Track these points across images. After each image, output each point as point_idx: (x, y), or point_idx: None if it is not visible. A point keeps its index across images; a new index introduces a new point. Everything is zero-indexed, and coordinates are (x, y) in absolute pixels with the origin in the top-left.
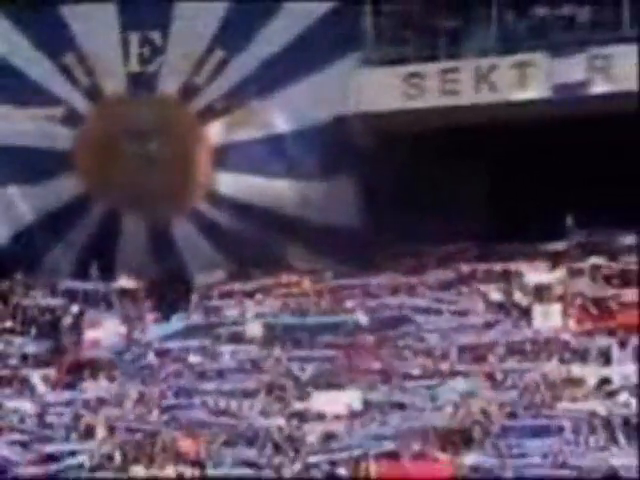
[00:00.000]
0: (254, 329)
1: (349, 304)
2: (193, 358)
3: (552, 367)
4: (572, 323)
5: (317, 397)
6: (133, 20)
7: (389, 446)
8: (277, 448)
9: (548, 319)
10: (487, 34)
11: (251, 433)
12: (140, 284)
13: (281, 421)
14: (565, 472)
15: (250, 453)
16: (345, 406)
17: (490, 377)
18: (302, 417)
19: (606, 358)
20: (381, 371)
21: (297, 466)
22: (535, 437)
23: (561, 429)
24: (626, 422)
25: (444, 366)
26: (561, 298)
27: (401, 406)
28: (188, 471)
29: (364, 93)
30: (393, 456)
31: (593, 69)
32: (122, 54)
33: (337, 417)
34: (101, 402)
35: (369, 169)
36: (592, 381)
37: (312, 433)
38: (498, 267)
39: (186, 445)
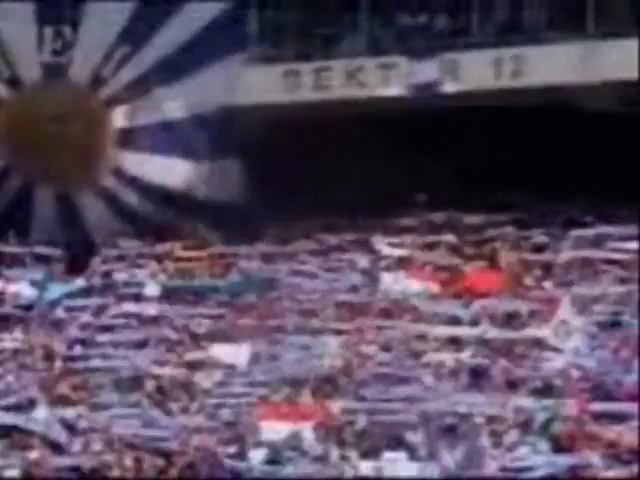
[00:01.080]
0: (151, 290)
1: (234, 269)
2: (89, 315)
3: (409, 325)
4: (424, 288)
5: (211, 349)
6: (48, 16)
7: (268, 392)
8: (164, 393)
9: (401, 284)
10: (356, 39)
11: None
12: (52, 250)
13: (175, 370)
14: (422, 416)
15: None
16: (234, 357)
17: (359, 332)
18: (196, 366)
19: (454, 319)
20: (263, 327)
21: (193, 410)
22: (396, 385)
23: (418, 378)
24: (473, 373)
25: (318, 323)
26: (413, 266)
27: (280, 357)
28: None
29: (249, 87)
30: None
31: (444, 71)
32: (38, 47)
33: (228, 367)
34: (15, 352)
35: (253, 152)
36: (443, 337)
37: (205, 380)
38: (362, 238)
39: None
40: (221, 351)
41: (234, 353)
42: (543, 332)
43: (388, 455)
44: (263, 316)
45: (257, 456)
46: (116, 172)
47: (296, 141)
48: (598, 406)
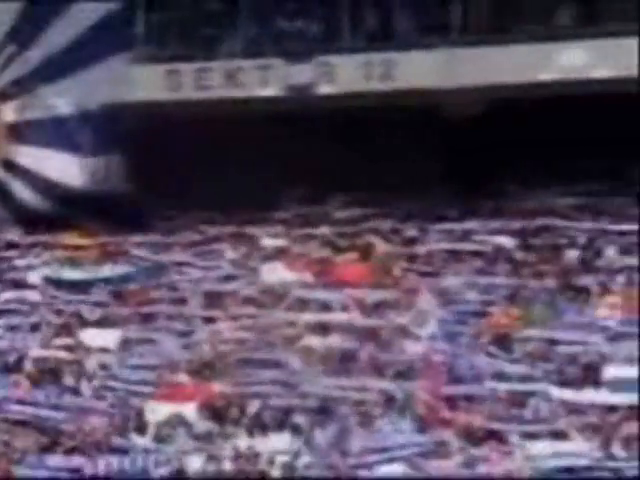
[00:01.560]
0: (37, 276)
1: (119, 258)
2: None
3: (280, 314)
4: (299, 277)
5: (89, 334)
6: None
7: (149, 375)
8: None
9: (276, 275)
10: (236, 41)
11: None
12: None
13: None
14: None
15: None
16: (110, 341)
17: (232, 320)
18: (76, 350)
19: (324, 306)
20: (142, 314)
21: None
22: (267, 369)
23: (285, 363)
24: (339, 358)
25: (193, 311)
26: (288, 257)
27: (158, 342)
28: None
29: (134, 85)
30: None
31: (319, 73)
32: None
33: (106, 350)
34: None
35: (137, 148)
36: (314, 323)
37: (88, 362)
38: (239, 230)
39: None
40: (97, 336)
41: (110, 338)
42: (404, 319)
43: (273, 435)
44: (142, 303)
45: (141, 436)
46: (6, 164)
47: (179, 138)
48: (452, 389)
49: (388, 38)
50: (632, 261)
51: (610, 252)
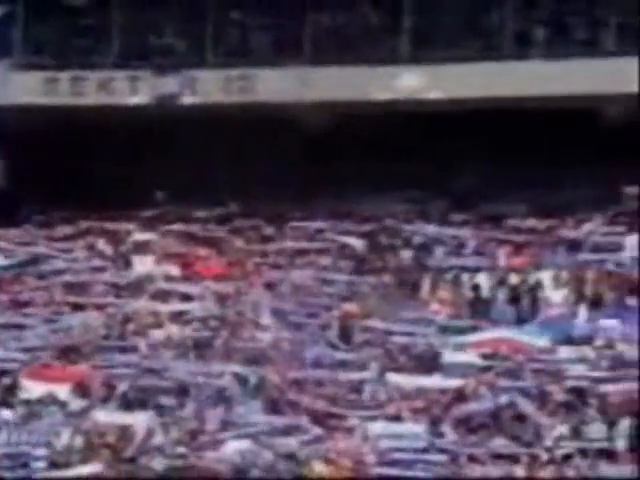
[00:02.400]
0: None
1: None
2: None
3: (142, 303)
4: (165, 270)
5: None
6: None
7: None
8: None
9: (144, 265)
10: (109, 53)
11: None
12: None
13: None
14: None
15: None
16: None
17: (98, 308)
18: None
19: (185, 296)
20: (15, 301)
21: None
22: (122, 353)
23: (147, 348)
24: (196, 344)
25: (63, 298)
26: (153, 251)
27: (29, 327)
28: None
29: (14, 89)
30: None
31: (183, 85)
32: None
33: None
34: None
35: (17, 147)
36: (169, 313)
37: None
38: (109, 225)
39: None
40: None
41: None
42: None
43: (138, 413)
44: (15, 291)
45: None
46: None
47: (56, 139)
48: (299, 374)
49: (247, 55)
50: (458, 261)
51: (439, 253)
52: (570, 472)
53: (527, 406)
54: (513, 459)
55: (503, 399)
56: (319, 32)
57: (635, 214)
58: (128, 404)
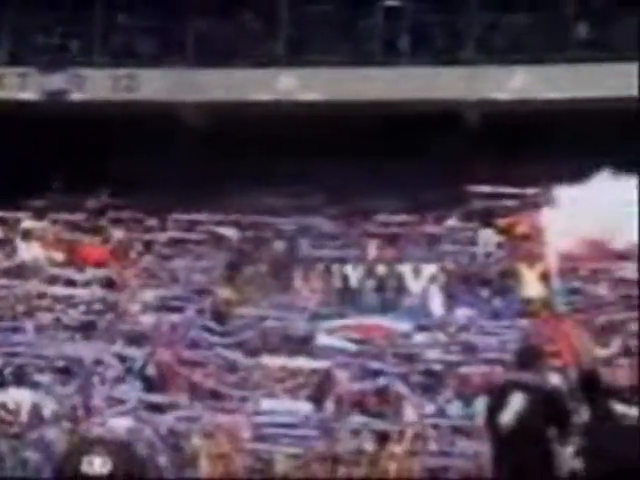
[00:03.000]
0: None
1: None
2: None
3: (33, 286)
4: (51, 256)
5: None
6: None
7: None
8: None
9: (32, 251)
10: (1, 51)
11: None
12: None
13: None
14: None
15: None
16: None
17: None
18: None
19: (70, 282)
20: None
21: None
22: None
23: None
24: (82, 326)
25: None
26: (42, 238)
27: None
28: None
29: None
30: None
31: (71, 82)
32: None
33: None
34: None
35: None
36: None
37: None
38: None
39: None
40: None
41: None
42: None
43: (12, 390)
44: None
45: None
46: None
47: None
48: (181, 354)
49: (133, 56)
50: (329, 253)
51: (311, 244)
52: (433, 446)
53: (398, 386)
54: (384, 435)
55: (372, 379)
56: (202, 36)
57: (486, 211)
58: (14, 382)
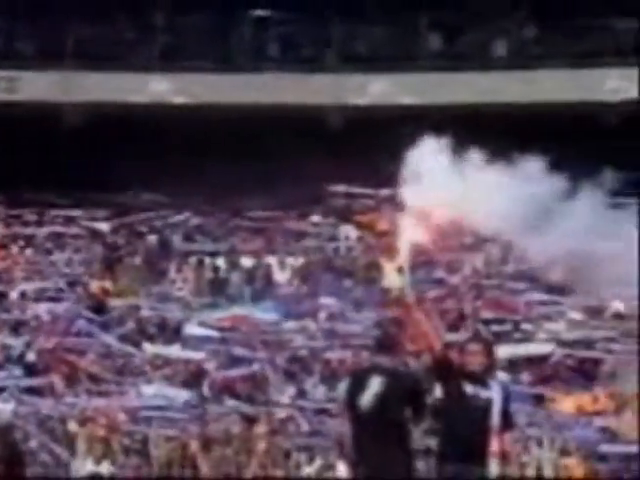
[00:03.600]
0: None
1: None
2: None
3: None
4: None
5: None
6: None
7: None
8: None
9: None
10: None
11: None
12: None
13: None
14: None
15: None
16: None
17: None
18: None
19: None
20: None
21: None
22: None
23: None
24: None
25: None
26: None
27: None
28: None
29: None
30: None
31: None
32: None
33: None
34: None
35: None
36: None
37: None
38: None
39: None
40: None
41: None
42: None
43: None
44: None
45: None
46: None
47: None
48: (62, 342)
49: (13, 58)
50: (202, 247)
51: (185, 239)
52: (305, 427)
53: (266, 372)
54: (252, 417)
55: (242, 366)
56: (82, 40)
57: (346, 209)
58: None
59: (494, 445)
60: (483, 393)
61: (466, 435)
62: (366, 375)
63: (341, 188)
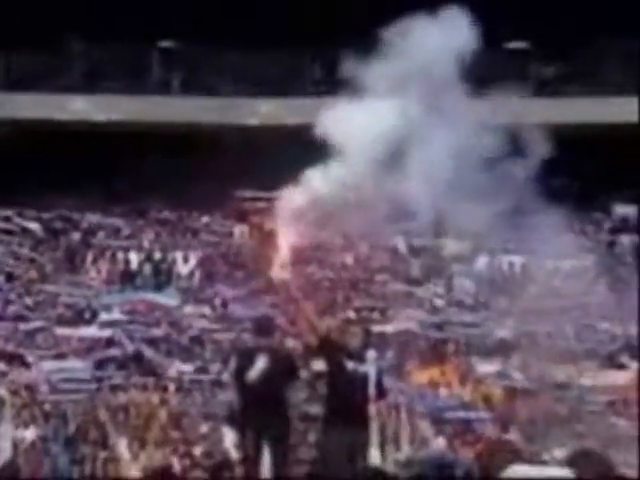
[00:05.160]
0: None
1: None
2: None
3: None
4: None
5: None
6: None
7: None
8: None
9: None
10: None
11: None
12: None
13: None
14: None
15: None
16: None
17: None
18: None
19: None
20: None
21: None
22: None
23: None
24: None
25: None
26: None
27: None
28: None
29: None
30: None
31: None
32: None
33: None
34: None
35: None
36: None
37: None
38: None
39: None
40: None
41: None
42: None
43: None
44: None
45: None
46: None
47: None
48: None
49: None
50: (115, 242)
51: (101, 236)
52: (199, 398)
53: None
54: (150, 388)
55: (135, 344)
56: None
57: (240, 210)
58: None
59: (371, 411)
60: (361, 368)
61: (348, 403)
62: (252, 353)
63: (239, 193)
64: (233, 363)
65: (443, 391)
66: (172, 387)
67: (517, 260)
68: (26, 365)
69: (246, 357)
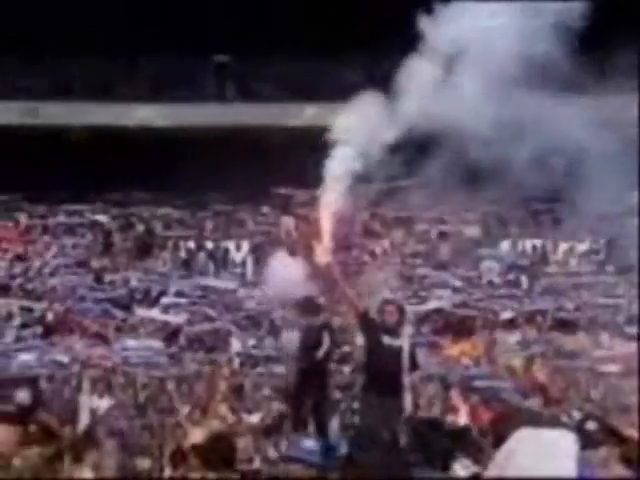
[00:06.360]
0: None
1: None
2: None
3: None
4: None
5: None
6: None
7: None
8: None
9: None
10: None
11: None
12: None
13: None
14: None
15: None
16: None
17: None
18: None
19: None
20: None
21: None
22: None
23: None
24: None
25: None
26: None
27: None
28: None
29: None
30: None
31: None
32: None
33: None
34: None
35: None
36: None
37: None
38: None
39: None
40: None
41: None
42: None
43: None
44: None
45: None
46: None
47: None
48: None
49: None
50: (173, 233)
51: (159, 227)
52: (254, 371)
53: (227, 327)
54: (212, 363)
55: (208, 323)
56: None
57: (286, 203)
58: None
59: (405, 381)
60: (396, 342)
61: (384, 374)
62: (319, 331)
63: (283, 190)
64: (295, 340)
65: (471, 362)
66: (232, 362)
67: (538, 243)
68: (104, 341)
69: (313, 335)
